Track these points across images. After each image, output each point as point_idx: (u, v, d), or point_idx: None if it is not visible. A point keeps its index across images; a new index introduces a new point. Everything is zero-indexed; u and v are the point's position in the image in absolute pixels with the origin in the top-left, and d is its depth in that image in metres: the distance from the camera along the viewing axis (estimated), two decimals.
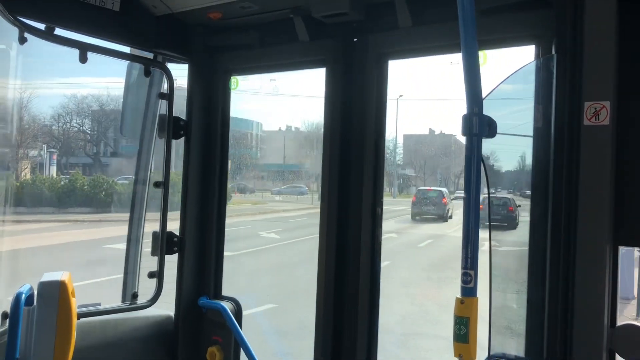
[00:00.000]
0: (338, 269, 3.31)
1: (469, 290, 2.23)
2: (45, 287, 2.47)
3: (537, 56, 2.71)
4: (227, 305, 3.69)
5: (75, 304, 2.55)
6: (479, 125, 2.29)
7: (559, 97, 2.44)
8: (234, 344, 3.65)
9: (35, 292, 2.49)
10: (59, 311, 2.45)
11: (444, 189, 30.00)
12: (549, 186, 2.49)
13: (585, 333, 2.31)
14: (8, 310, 2.56)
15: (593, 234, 2.30)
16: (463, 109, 2.34)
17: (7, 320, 2.62)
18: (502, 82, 2.52)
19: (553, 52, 2.51)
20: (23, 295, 2.49)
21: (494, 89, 2.48)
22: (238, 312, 3.72)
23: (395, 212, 28.07)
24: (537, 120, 2.61)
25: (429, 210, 27.00)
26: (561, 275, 2.41)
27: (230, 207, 4.01)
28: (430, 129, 52.84)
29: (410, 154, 46.47)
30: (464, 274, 2.24)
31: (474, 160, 2.29)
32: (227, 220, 3.92)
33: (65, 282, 2.50)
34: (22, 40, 2.94)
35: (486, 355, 2.58)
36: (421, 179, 42.75)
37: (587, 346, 2.30)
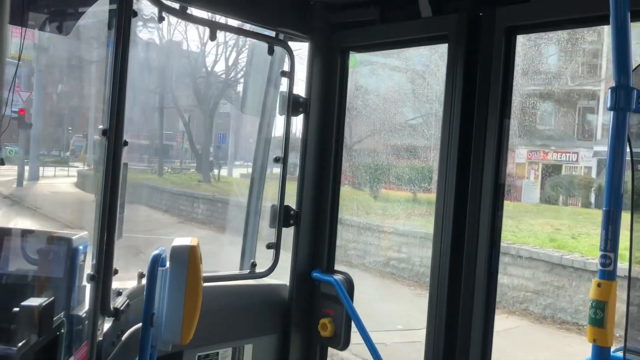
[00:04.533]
0: (453, 254, 3.23)
1: (608, 273, 2.10)
2: (176, 250, 2.64)
3: None
4: (340, 279, 3.75)
5: (202, 269, 2.70)
6: (625, 98, 2.13)
7: None
8: (345, 317, 3.70)
9: (168, 255, 2.67)
10: (188, 273, 2.61)
11: None
12: None
13: None
14: (144, 271, 2.78)
15: None
16: None
17: (143, 279, 2.84)
18: None
19: None
20: (159, 257, 2.69)
21: None
22: (350, 287, 3.77)
23: None
24: None
25: None
26: None
27: None
28: None
29: None
30: (603, 256, 2.11)
31: (620, 137, 2.13)
32: None
33: (195, 247, 2.66)
34: (161, 19, 3.10)
35: (616, 345, 2.43)
36: None
37: None
